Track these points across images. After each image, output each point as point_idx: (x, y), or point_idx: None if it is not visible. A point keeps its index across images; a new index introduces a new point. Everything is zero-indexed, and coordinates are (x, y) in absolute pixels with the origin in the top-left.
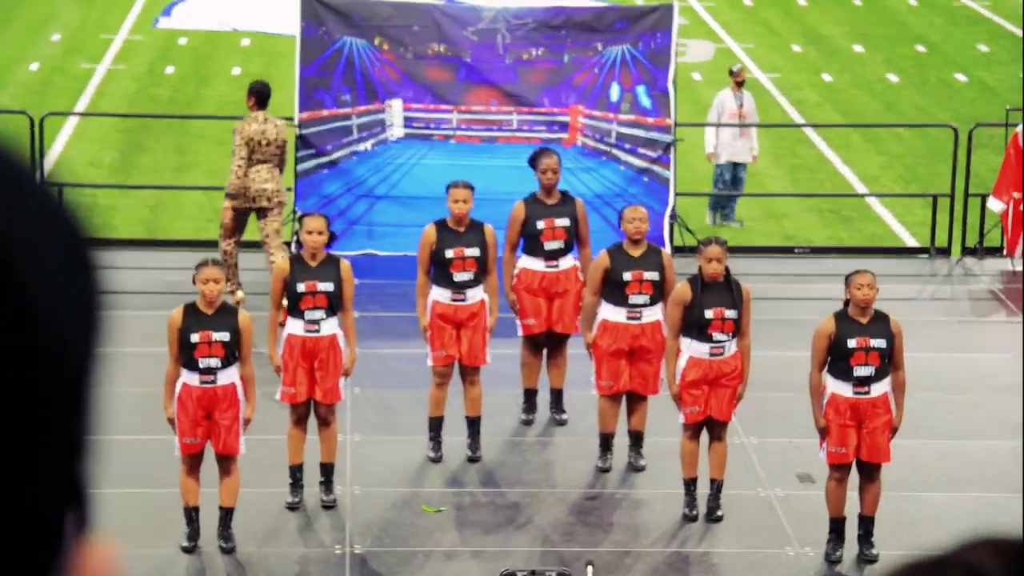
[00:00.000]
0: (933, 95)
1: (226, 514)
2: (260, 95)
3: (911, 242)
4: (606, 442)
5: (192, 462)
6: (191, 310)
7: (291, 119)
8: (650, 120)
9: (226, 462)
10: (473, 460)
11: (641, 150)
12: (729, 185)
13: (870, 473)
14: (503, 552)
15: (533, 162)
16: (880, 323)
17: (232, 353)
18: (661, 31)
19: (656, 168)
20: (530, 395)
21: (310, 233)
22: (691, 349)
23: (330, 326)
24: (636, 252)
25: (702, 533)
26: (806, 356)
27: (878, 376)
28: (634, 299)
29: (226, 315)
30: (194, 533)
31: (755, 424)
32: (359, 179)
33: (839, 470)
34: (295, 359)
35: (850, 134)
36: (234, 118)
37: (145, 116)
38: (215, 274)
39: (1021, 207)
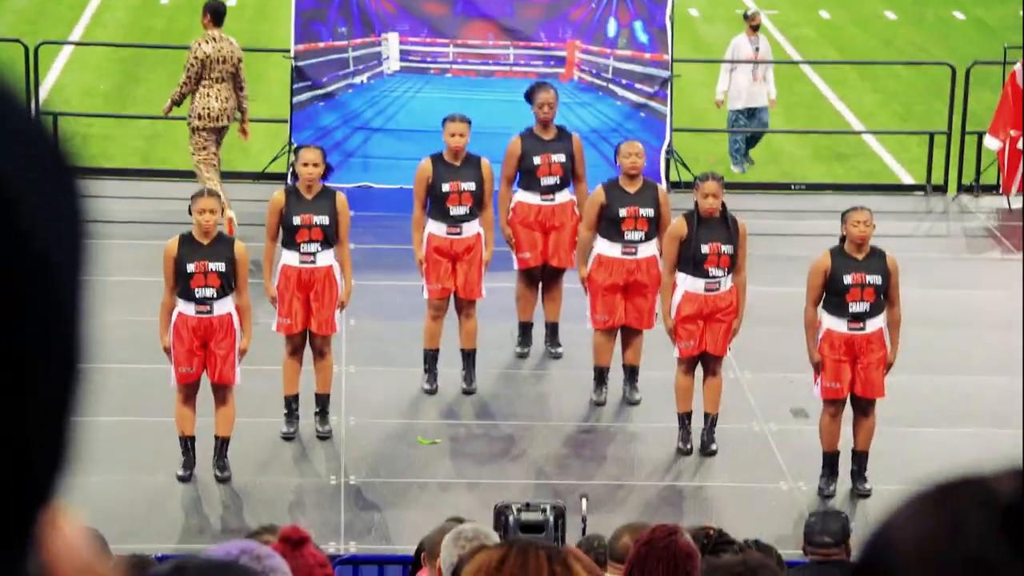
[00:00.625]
0: (930, 32)
1: (222, 443)
2: (216, 13)
3: (907, 179)
4: (600, 376)
5: (188, 391)
6: (187, 240)
7: (287, 51)
8: (647, 56)
9: (222, 392)
10: (468, 392)
11: (638, 85)
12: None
13: (864, 408)
14: (498, 484)
15: (530, 97)
16: (876, 259)
17: (228, 283)
18: None
19: (653, 104)
20: (525, 328)
21: (306, 165)
22: (686, 284)
23: (326, 258)
24: (632, 188)
25: (696, 467)
26: (802, 292)
27: (873, 312)
28: (630, 235)
29: (222, 245)
30: (190, 462)
31: (749, 359)
32: (355, 112)
33: (833, 405)
34: (291, 290)
35: (847, 71)
36: None
37: (140, 46)
38: (211, 204)
39: (1018, 145)
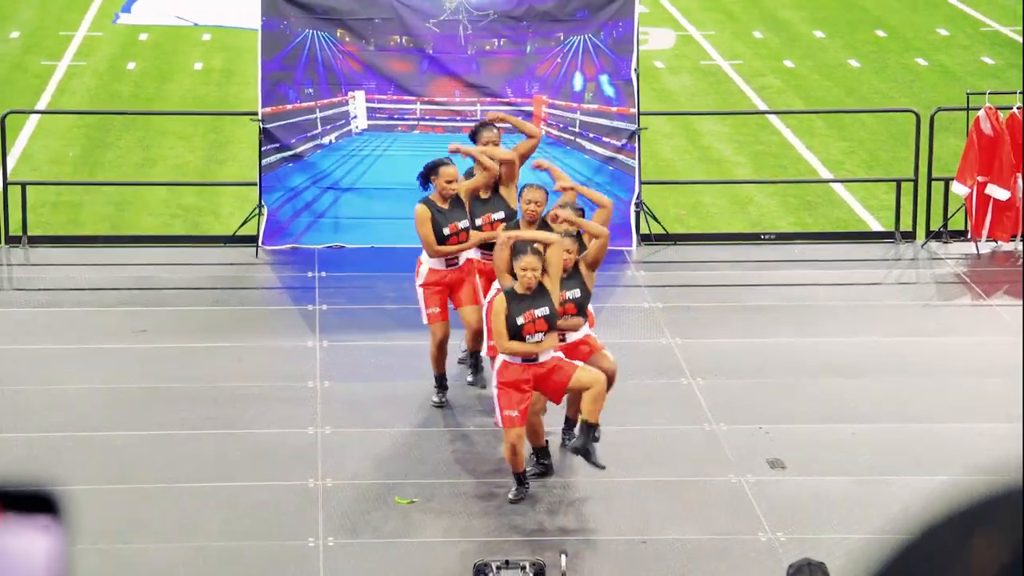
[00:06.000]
0: (894, 80)
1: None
2: None
3: (876, 227)
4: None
5: (519, 438)
6: (512, 295)
7: (255, 114)
8: (614, 109)
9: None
10: (472, 384)
11: (605, 139)
12: None
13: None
14: (476, 542)
15: (475, 137)
16: (541, 292)
17: (553, 326)
18: (623, 20)
19: (621, 157)
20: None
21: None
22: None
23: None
24: (532, 229)
25: (674, 520)
26: (772, 342)
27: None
28: None
29: (542, 294)
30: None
31: (724, 411)
32: (324, 172)
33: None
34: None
35: (813, 120)
36: (197, 114)
37: (108, 112)
38: (534, 263)
39: (985, 190)
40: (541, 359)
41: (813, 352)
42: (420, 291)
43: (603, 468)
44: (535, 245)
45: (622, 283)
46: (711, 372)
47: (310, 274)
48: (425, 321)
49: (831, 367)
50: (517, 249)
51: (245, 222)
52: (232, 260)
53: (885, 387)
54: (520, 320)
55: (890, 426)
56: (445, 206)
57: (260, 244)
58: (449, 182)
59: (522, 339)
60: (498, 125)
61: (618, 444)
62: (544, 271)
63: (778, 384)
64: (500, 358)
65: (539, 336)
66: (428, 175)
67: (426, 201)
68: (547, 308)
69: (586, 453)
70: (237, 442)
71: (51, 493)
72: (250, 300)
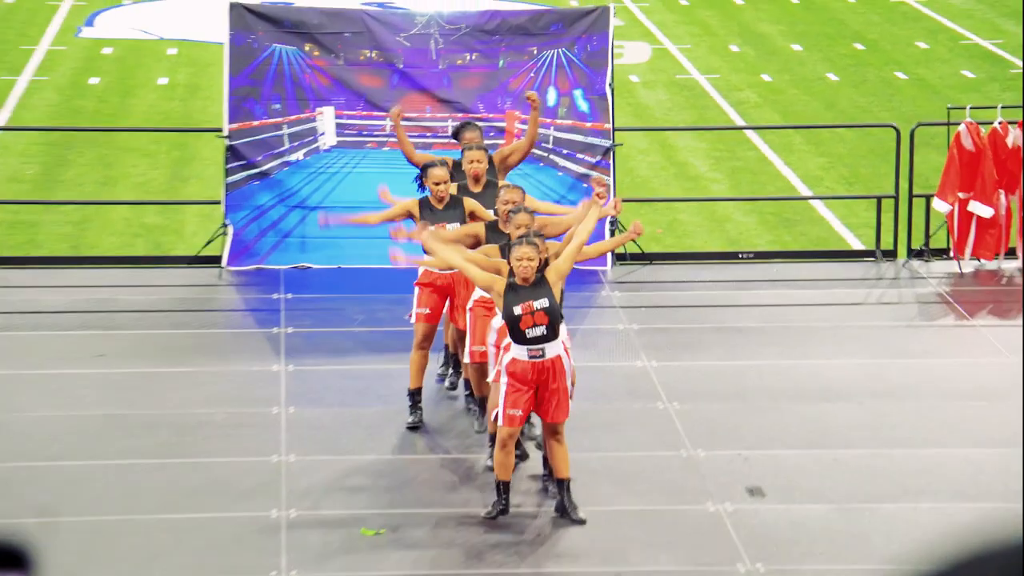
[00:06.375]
0: (873, 94)
1: (565, 485)
2: None
3: (856, 245)
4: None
5: (512, 437)
6: (510, 287)
7: (221, 131)
8: (588, 124)
9: (556, 431)
10: (451, 388)
11: (579, 155)
12: None
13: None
14: (444, 574)
15: (457, 135)
16: (540, 284)
17: (556, 320)
18: (597, 34)
19: (595, 173)
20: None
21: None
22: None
23: None
24: (508, 229)
25: (649, 551)
26: (751, 365)
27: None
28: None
29: (542, 285)
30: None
31: (702, 436)
32: (292, 190)
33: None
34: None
35: (791, 135)
36: (162, 130)
37: (69, 129)
38: (529, 253)
39: (967, 207)
40: (547, 355)
41: (792, 375)
42: (415, 289)
43: (583, 522)
44: (531, 237)
45: (596, 304)
46: (688, 396)
47: (275, 296)
48: (412, 319)
49: (811, 390)
50: (513, 241)
51: (209, 242)
52: (195, 281)
53: (867, 411)
54: (518, 310)
55: (873, 451)
56: (440, 207)
57: (224, 265)
58: (437, 184)
59: (521, 332)
60: (480, 125)
61: (592, 471)
62: (543, 263)
63: (757, 408)
64: (508, 355)
65: (540, 330)
66: (421, 177)
67: (422, 199)
68: (547, 300)
69: (563, 511)
70: (198, 471)
71: (21, 546)
72: (213, 323)
